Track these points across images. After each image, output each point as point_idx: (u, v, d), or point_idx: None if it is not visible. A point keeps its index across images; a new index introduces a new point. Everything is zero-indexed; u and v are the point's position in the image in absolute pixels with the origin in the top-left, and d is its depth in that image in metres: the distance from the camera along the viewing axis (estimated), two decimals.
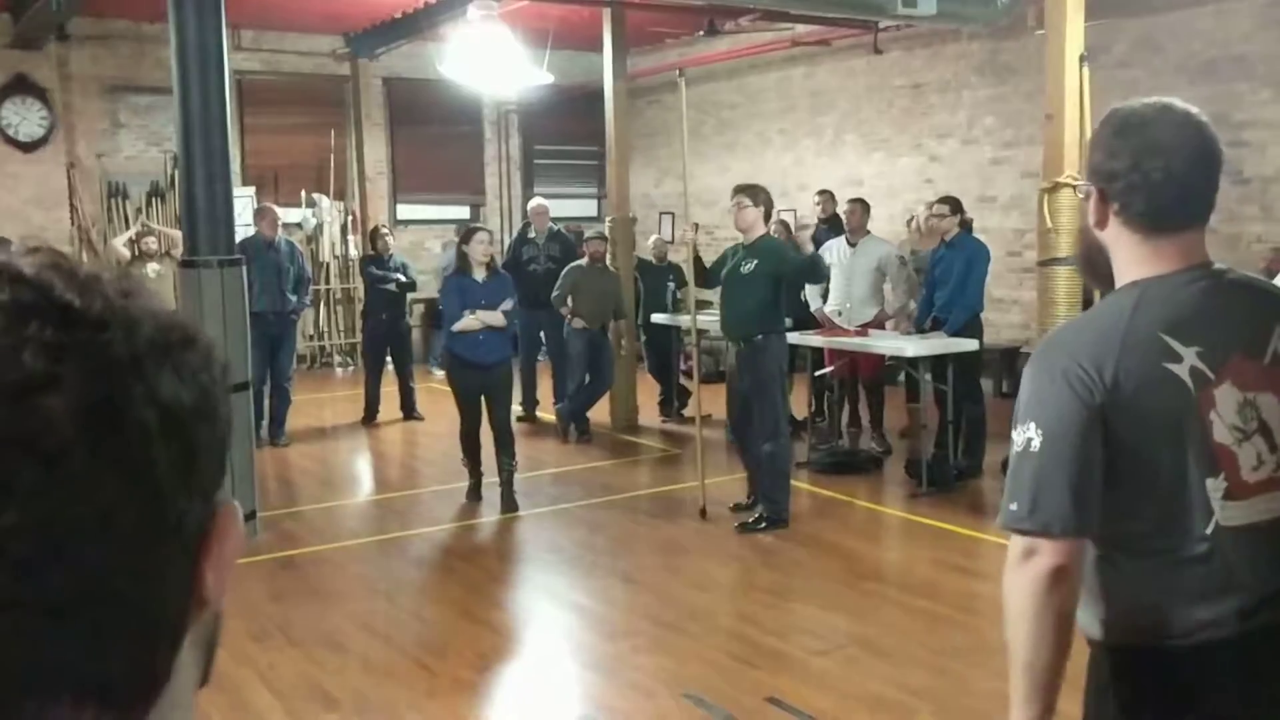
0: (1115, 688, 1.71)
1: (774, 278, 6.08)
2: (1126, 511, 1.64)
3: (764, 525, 6.07)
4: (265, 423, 8.37)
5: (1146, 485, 1.63)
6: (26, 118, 11.00)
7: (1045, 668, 1.62)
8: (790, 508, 6.18)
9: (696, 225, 6.90)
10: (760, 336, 6.09)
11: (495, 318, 6.55)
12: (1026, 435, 1.62)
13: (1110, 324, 1.66)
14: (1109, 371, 1.60)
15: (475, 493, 6.87)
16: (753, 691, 4.08)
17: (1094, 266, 1.78)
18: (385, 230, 9.92)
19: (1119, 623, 1.70)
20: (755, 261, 6.08)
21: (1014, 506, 1.64)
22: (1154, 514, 1.65)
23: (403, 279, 9.42)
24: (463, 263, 6.73)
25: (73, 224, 11.36)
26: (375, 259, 9.56)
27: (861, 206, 8.05)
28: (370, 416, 9.49)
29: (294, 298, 8.53)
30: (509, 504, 6.66)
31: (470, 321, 6.51)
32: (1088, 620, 1.72)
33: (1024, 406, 1.66)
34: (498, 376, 6.69)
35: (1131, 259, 1.70)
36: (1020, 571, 1.63)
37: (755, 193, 6.19)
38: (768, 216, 6.27)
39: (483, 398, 6.69)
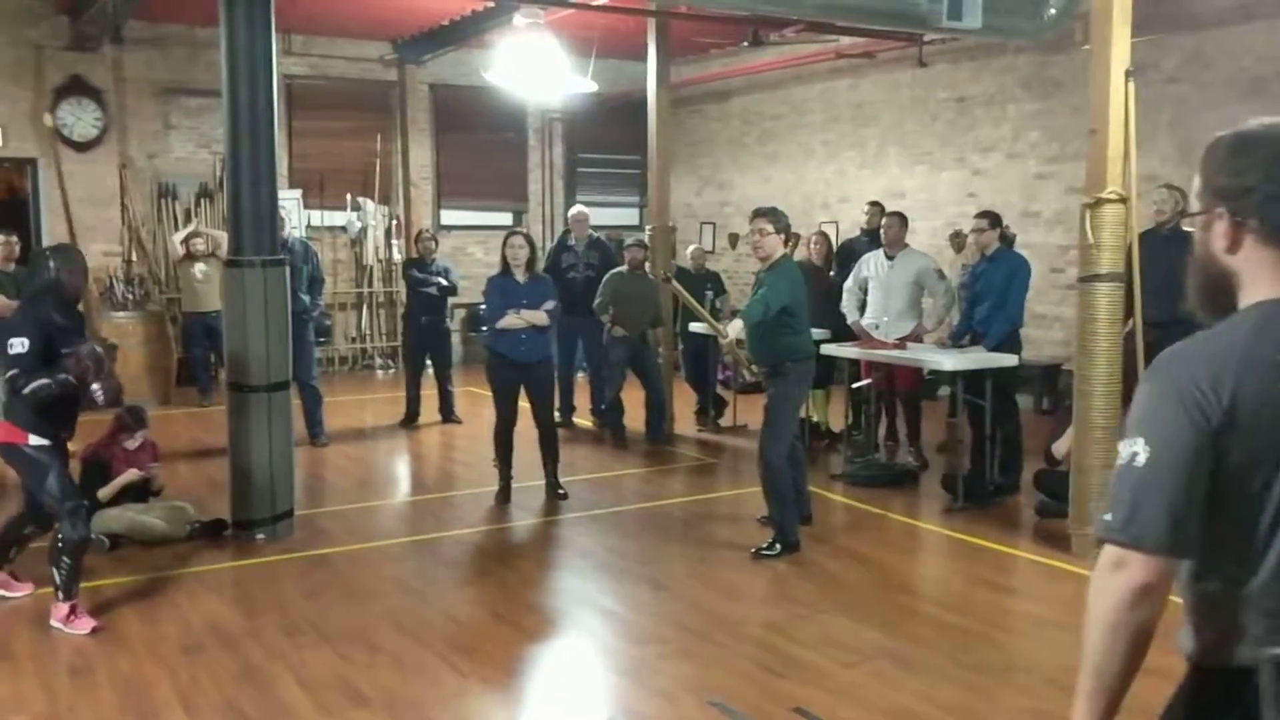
0: (1197, 709, 1.71)
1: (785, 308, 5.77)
2: (1231, 534, 1.63)
3: (777, 550, 5.86)
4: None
5: (1254, 510, 1.61)
6: (81, 118, 11.22)
7: (1114, 675, 1.66)
8: (797, 532, 5.97)
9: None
10: (783, 364, 5.84)
11: (538, 316, 6.83)
12: (1132, 449, 1.63)
13: (1230, 344, 1.63)
14: (1226, 393, 1.58)
15: (505, 495, 6.98)
16: (779, 701, 4.07)
17: (1215, 300, 1.73)
18: (429, 234, 10.01)
19: (1213, 644, 1.69)
20: (764, 288, 5.83)
21: (1109, 517, 1.65)
22: (1260, 539, 1.62)
23: (444, 283, 9.49)
24: (504, 264, 6.98)
25: (123, 223, 11.58)
26: (417, 262, 9.64)
27: (899, 220, 8.02)
28: (410, 419, 9.57)
29: (307, 298, 8.55)
30: (555, 490, 7.08)
31: (513, 320, 6.78)
32: (1184, 636, 1.72)
33: (1134, 420, 1.65)
34: (538, 375, 7.00)
35: (1264, 278, 1.67)
36: (1107, 581, 1.65)
37: (776, 217, 5.85)
38: (786, 239, 5.95)
39: (525, 396, 6.96)
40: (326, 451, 8.54)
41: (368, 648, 4.59)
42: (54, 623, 4.77)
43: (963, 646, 4.65)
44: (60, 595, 4.78)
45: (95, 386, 4.74)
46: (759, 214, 5.90)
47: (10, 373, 4.59)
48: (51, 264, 4.81)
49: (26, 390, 4.58)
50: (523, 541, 6.49)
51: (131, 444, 6.14)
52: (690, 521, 6.73)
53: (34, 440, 4.73)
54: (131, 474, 6.06)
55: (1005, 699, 4.14)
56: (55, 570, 4.77)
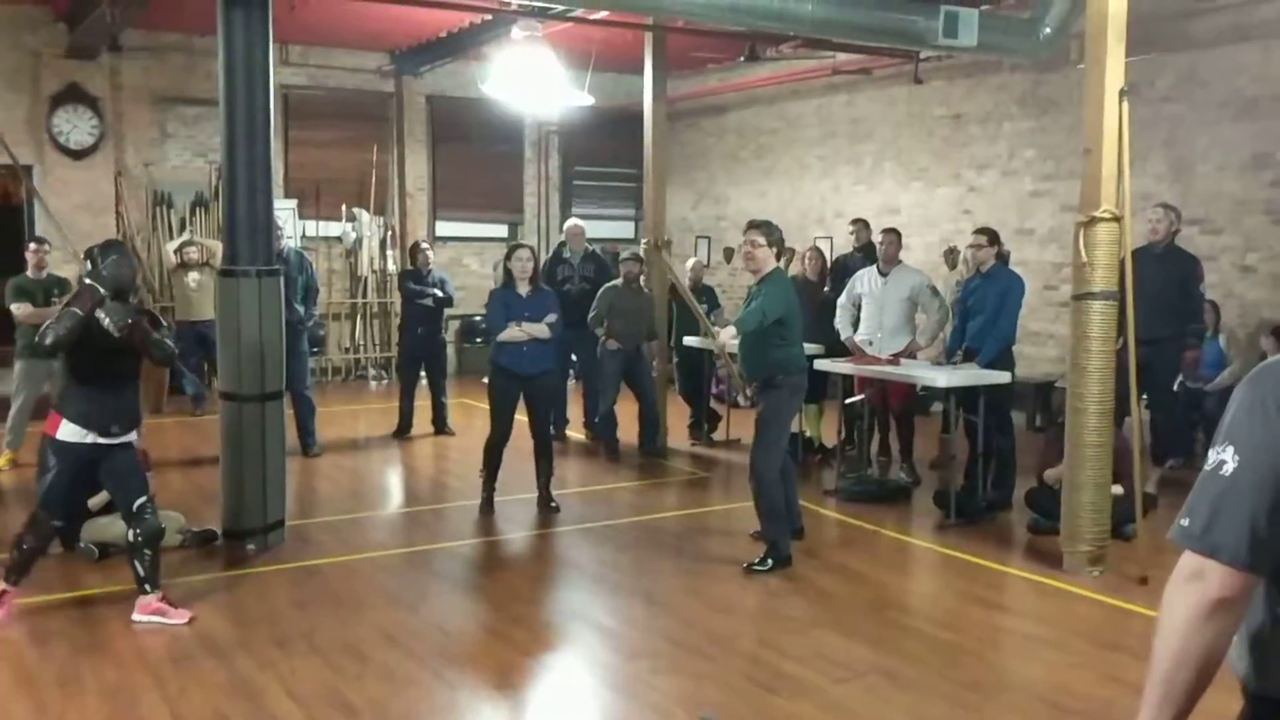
0: None
1: (780, 321, 5.78)
2: None
3: (769, 565, 5.83)
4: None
5: None
6: (78, 126, 11.22)
7: (1183, 686, 1.60)
8: (789, 546, 5.94)
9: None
10: (775, 377, 5.86)
11: (540, 329, 6.85)
12: (1220, 457, 1.59)
13: None
14: None
15: (488, 506, 6.98)
16: (770, 716, 4.06)
17: None
18: (425, 245, 9.99)
19: (1274, 671, 1.64)
20: (759, 298, 5.84)
21: (1186, 522, 1.60)
22: None
23: (439, 294, 9.48)
24: (508, 277, 7.03)
25: (118, 230, 11.55)
26: (413, 274, 9.64)
27: (896, 236, 8.04)
28: (403, 430, 9.55)
29: (302, 308, 8.54)
30: (547, 503, 7.07)
31: (514, 332, 6.82)
32: (1241, 661, 1.67)
33: (1225, 428, 1.61)
34: (539, 387, 7.01)
35: None
36: (1183, 591, 1.59)
37: (770, 230, 5.91)
38: (779, 254, 5.99)
39: (525, 407, 6.97)
40: (319, 462, 8.52)
41: (358, 659, 4.57)
42: None
43: (954, 663, 4.64)
44: (4, 573, 4.97)
45: (100, 314, 4.79)
46: (752, 226, 5.96)
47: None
48: (97, 259, 4.96)
49: (42, 337, 4.75)
50: (514, 554, 6.48)
51: None
52: (683, 535, 6.72)
53: (61, 435, 4.82)
54: None
55: (996, 716, 4.14)
56: (12, 552, 4.97)
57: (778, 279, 5.91)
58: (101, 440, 4.88)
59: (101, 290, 4.86)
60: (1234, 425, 1.61)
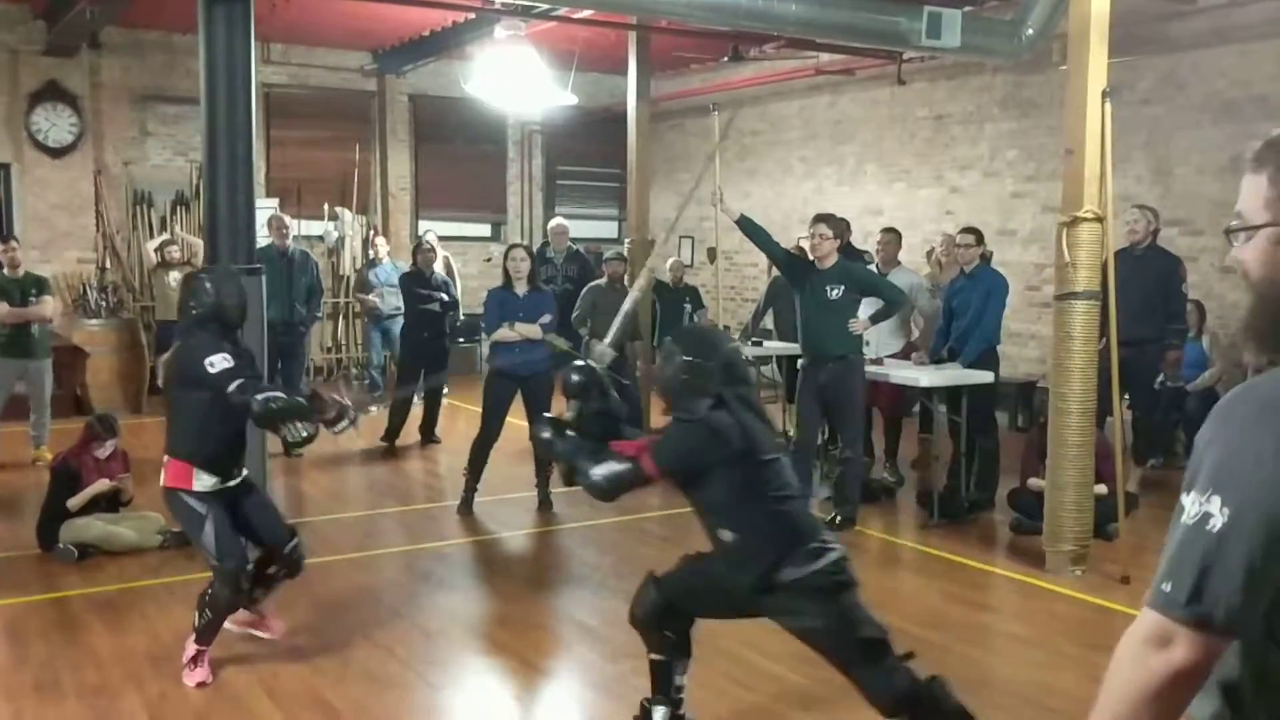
0: None
1: (859, 301, 6.61)
2: None
3: (846, 525, 6.54)
4: None
5: None
6: (57, 124, 11.13)
7: None
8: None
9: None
10: (852, 355, 6.64)
11: (532, 330, 6.86)
12: (1205, 510, 1.32)
13: None
14: None
15: (467, 506, 6.97)
16: (752, 716, 4.06)
17: None
18: (429, 245, 9.53)
19: None
20: (842, 287, 6.52)
21: (1167, 588, 1.35)
22: None
23: (445, 298, 9.22)
24: (505, 277, 7.02)
25: (98, 230, 11.48)
26: (416, 276, 9.32)
27: (895, 237, 8.04)
28: (392, 434, 9.39)
29: (304, 309, 8.44)
30: (546, 504, 7.10)
31: (506, 333, 6.81)
32: (1209, 711, 1.44)
33: (1210, 471, 1.34)
34: (534, 388, 6.95)
35: None
36: (1142, 658, 1.37)
37: (835, 223, 6.63)
38: (841, 245, 6.75)
39: (523, 408, 6.96)
40: (301, 462, 8.47)
41: (339, 660, 4.55)
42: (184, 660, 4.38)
43: (937, 662, 4.62)
44: (194, 636, 4.36)
45: (342, 424, 4.44)
46: (819, 219, 6.62)
47: (230, 387, 4.12)
48: (209, 286, 4.37)
49: (258, 403, 4.13)
50: (497, 555, 6.46)
51: (102, 453, 6.07)
52: (667, 535, 6.70)
53: (197, 485, 4.31)
54: (102, 484, 6.00)
55: (978, 715, 4.13)
56: (196, 614, 4.35)
57: (860, 270, 6.91)
58: (228, 484, 4.42)
59: (358, 415, 4.52)
60: (1222, 470, 1.34)
